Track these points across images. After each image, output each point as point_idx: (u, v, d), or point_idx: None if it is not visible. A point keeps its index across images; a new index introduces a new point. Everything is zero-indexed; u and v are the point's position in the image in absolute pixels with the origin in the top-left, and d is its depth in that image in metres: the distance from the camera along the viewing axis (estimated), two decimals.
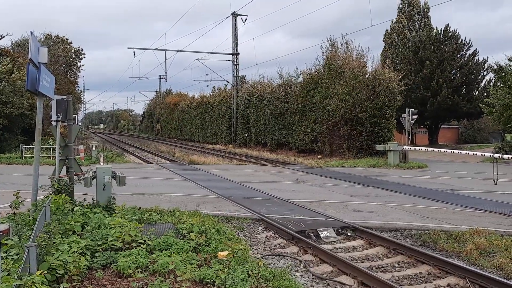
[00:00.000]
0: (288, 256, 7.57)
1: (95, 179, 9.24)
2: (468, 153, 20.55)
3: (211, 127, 48.89)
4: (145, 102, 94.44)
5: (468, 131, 51.82)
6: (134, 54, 54.89)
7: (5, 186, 14.01)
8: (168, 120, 69.24)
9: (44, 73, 7.66)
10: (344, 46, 29.36)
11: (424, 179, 17.53)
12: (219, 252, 6.51)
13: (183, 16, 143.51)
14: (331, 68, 28.65)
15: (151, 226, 7.82)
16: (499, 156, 16.60)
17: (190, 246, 6.76)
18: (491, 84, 35.78)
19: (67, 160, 9.38)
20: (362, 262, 7.30)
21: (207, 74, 76.34)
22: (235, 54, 42.32)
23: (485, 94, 36.09)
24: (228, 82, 47.00)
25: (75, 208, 8.26)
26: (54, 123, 9.17)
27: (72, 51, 48.29)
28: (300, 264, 7.20)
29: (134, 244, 6.63)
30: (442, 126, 44.99)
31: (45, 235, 5.77)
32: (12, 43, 42.77)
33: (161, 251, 6.49)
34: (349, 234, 8.87)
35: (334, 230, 8.85)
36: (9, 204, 6.19)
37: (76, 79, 54.66)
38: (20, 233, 6.26)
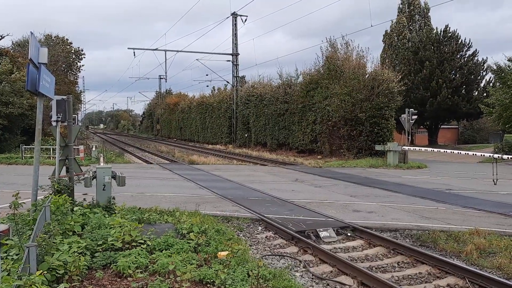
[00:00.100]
0: (288, 256, 7.57)
1: (95, 179, 9.24)
2: (467, 154, 20.56)
3: (211, 127, 48.90)
4: (145, 102, 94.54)
5: (467, 132, 51.85)
6: (134, 54, 55.44)
7: (5, 186, 14.01)
8: (168, 120, 69.26)
9: (44, 74, 7.66)
10: (344, 46, 29.41)
11: (423, 179, 17.53)
12: (219, 252, 6.52)
13: (183, 16, 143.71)
14: (330, 68, 28.67)
15: (151, 226, 7.83)
16: (498, 157, 16.63)
17: (190, 246, 6.76)
18: (491, 84, 35.81)
19: (67, 160, 9.38)
20: (361, 262, 7.31)
21: (207, 75, 76.22)
22: (235, 54, 42.33)
23: (485, 94, 36.12)
24: (228, 82, 47.05)
25: (75, 208, 8.26)
26: (54, 123, 9.17)
27: (72, 51, 48.32)
28: (300, 264, 7.21)
29: (134, 244, 6.63)
30: (442, 126, 45.02)
31: (45, 235, 5.77)
32: (12, 43, 42.85)
33: (161, 251, 6.50)
34: (349, 234, 8.87)
35: (334, 230, 8.86)
36: (8, 204, 6.19)
37: (76, 79, 54.76)
38: (20, 233, 6.27)
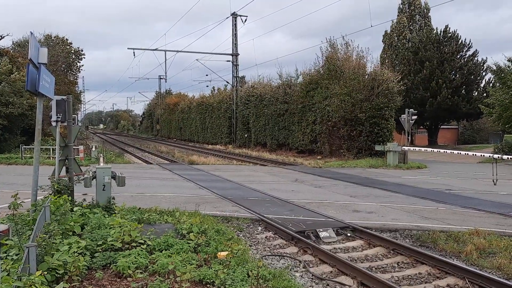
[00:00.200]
0: (287, 257, 7.57)
1: (94, 180, 9.24)
2: (467, 154, 20.56)
3: (210, 128, 48.90)
4: (145, 102, 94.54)
5: (467, 132, 51.88)
6: (134, 55, 55.70)
7: (4, 186, 14.01)
8: (168, 121, 69.26)
9: (44, 74, 7.66)
10: (344, 46, 29.43)
11: (423, 180, 17.54)
12: (219, 252, 6.51)
13: (183, 16, 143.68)
14: (330, 68, 28.68)
15: (151, 226, 7.82)
16: (498, 157, 16.62)
17: (189, 246, 6.76)
18: (491, 84, 35.82)
19: (66, 161, 9.38)
20: (361, 263, 7.31)
21: (207, 75, 75.95)
22: (235, 54, 42.34)
23: (485, 94, 36.14)
24: (228, 82, 47.08)
25: (75, 209, 8.26)
26: (54, 124, 9.17)
27: (72, 51, 48.33)
28: (299, 265, 7.20)
29: (133, 244, 6.63)
30: (442, 126, 45.03)
31: (44, 235, 5.77)
32: (13, 42, 42.89)
33: (161, 251, 6.49)
34: (349, 234, 8.87)
35: (333, 230, 8.86)
36: (8, 204, 6.19)
37: (76, 79, 54.74)
38: (20, 233, 6.26)
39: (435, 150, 25.67)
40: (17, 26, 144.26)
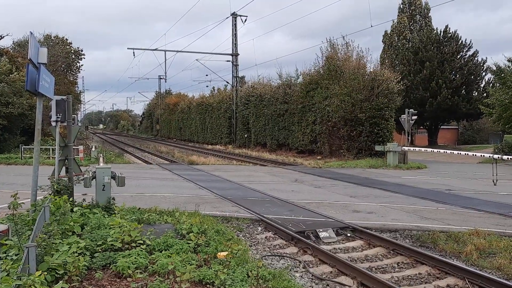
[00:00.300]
0: (287, 257, 7.56)
1: (94, 180, 9.24)
2: (467, 154, 20.57)
3: (210, 128, 48.90)
4: (145, 102, 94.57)
5: (467, 132, 51.91)
6: (134, 55, 55.71)
7: (4, 186, 14.01)
8: (167, 121, 69.25)
9: (43, 74, 7.66)
10: (344, 47, 29.41)
11: (423, 180, 17.53)
12: (219, 253, 6.51)
13: (183, 16, 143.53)
14: (330, 69, 28.67)
15: (151, 226, 7.82)
16: (498, 157, 16.62)
17: (189, 246, 6.76)
18: (491, 85, 35.83)
19: (66, 161, 9.38)
20: (361, 263, 7.30)
21: (206, 75, 75.89)
22: (235, 54, 42.34)
23: (485, 95, 36.14)
24: (227, 82, 47.10)
25: (75, 209, 8.26)
26: (53, 124, 9.16)
27: (72, 51, 48.33)
28: (299, 265, 7.20)
29: (133, 245, 6.62)
30: (442, 127, 45.03)
31: (44, 235, 5.76)
32: (13, 42, 42.90)
33: (161, 252, 6.49)
34: (349, 234, 8.87)
35: (333, 230, 8.85)
36: (8, 204, 6.19)
37: (76, 79, 54.75)
38: (20, 233, 6.26)
39: (435, 150, 25.68)
40: (17, 26, 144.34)
